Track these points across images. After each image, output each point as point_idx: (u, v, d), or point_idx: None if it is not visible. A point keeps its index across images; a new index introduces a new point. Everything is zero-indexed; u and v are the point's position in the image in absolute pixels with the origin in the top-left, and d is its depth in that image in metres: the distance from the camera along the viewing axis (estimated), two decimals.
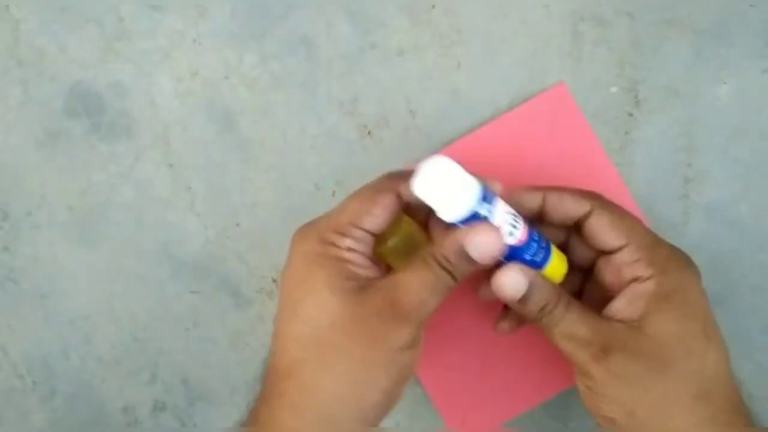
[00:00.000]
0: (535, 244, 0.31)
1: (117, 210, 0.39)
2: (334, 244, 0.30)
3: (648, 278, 0.30)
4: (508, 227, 0.30)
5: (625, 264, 0.31)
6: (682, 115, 0.38)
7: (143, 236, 0.39)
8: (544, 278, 0.31)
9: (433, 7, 0.38)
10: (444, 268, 0.30)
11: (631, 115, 0.38)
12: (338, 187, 0.38)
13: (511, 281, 0.30)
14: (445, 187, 0.29)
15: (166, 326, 0.39)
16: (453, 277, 0.30)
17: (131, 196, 0.39)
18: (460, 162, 0.30)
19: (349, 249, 0.30)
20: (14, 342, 0.39)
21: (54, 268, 0.39)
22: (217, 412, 0.39)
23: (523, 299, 0.30)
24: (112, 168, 0.39)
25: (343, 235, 0.30)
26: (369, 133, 0.38)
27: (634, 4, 0.37)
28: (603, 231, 0.31)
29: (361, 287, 0.29)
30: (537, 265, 0.31)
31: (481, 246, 0.29)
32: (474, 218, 0.29)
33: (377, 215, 0.31)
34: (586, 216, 0.32)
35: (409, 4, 0.38)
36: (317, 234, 0.31)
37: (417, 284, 0.29)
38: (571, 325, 0.30)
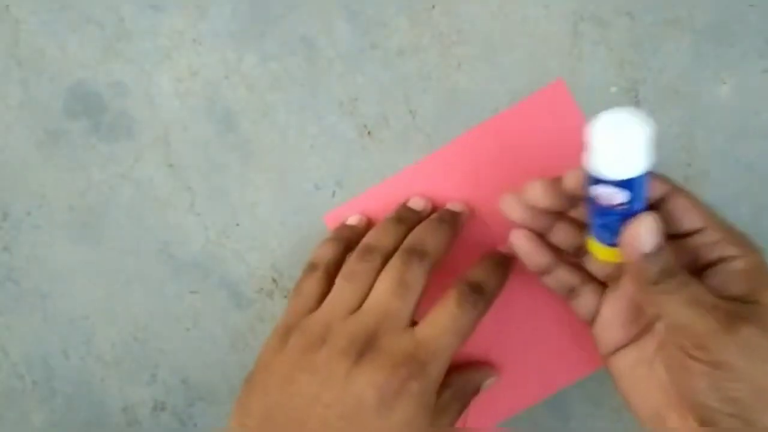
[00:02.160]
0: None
1: (117, 210, 0.39)
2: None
3: (736, 257, 0.30)
4: None
5: (706, 245, 0.30)
6: (682, 115, 0.38)
7: (143, 236, 0.39)
8: None
9: (433, 7, 0.38)
10: None
11: None
12: (338, 187, 0.38)
13: (650, 230, 0.28)
14: (628, 144, 0.27)
15: (166, 326, 0.39)
16: None
17: (131, 196, 0.39)
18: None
19: None
20: (14, 342, 0.39)
21: (54, 268, 0.39)
22: (217, 412, 0.39)
23: (650, 255, 0.29)
24: (112, 168, 0.39)
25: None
26: (369, 133, 0.38)
27: (634, 3, 0.37)
28: (683, 213, 0.31)
29: None
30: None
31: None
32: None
33: None
34: (664, 198, 0.31)
35: (409, 4, 0.38)
36: (435, 384, 0.30)
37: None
38: (698, 290, 0.29)
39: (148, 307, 0.39)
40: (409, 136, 0.38)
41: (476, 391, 0.36)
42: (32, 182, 0.39)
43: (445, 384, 0.31)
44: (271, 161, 0.39)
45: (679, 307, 0.29)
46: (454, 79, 0.38)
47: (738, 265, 0.30)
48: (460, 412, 0.33)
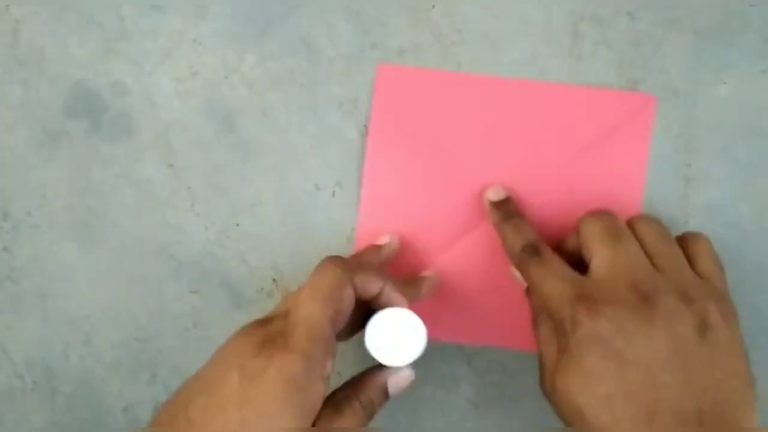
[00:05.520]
0: None
1: (117, 210, 0.39)
2: (320, 375, 0.29)
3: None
4: None
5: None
6: (682, 115, 0.38)
7: (143, 236, 0.39)
8: None
9: (433, 7, 0.38)
10: (367, 411, 0.32)
11: None
12: (338, 187, 0.38)
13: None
14: (406, 347, 0.31)
15: (167, 326, 0.39)
16: (372, 417, 0.32)
17: (131, 196, 0.39)
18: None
19: (328, 376, 0.30)
20: (14, 342, 0.39)
21: (54, 268, 0.39)
22: None
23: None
24: (113, 168, 0.39)
25: (328, 353, 0.29)
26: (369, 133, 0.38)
27: (634, 4, 0.37)
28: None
29: None
30: None
31: (401, 384, 0.33)
32: None
33: (346, 315, 0.31)
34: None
35: (409, 4, 0.38)
36: (303, 356, 0.28)
37: None
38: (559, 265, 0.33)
39: (148, 307, 0.39)
40: None
41: (384, 393, 0.33)
42: (32, 182, 0.39)
43: (348, 385, 0.32)
44: (271, 161, 0.39)
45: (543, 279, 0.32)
46: None
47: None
48: (364, 413, 0.32)
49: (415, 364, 0.39)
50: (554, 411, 0.31)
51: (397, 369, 0.33)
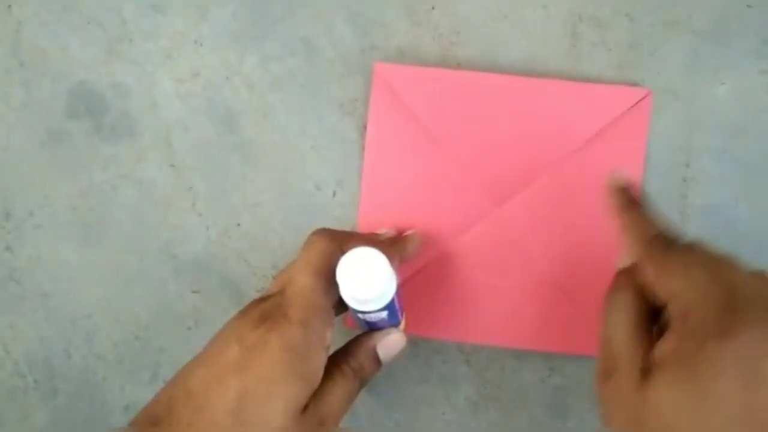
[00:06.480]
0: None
1: (119, 210, 0.39)
2: (320, 344, 0.29)
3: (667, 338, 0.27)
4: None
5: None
6: (680, 116, 0.38)
7: (145, 236, 0.39)
8: None
9: (433, 8, 0.38)
10: (359, 377, 0.31)
11: None
12: (338, 187, 0.39)
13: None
14: (370, 282, 0.29)
15: (168, 325, 0.39)
16: (365, 383, 0.32)
17: (133, 196, 0.39)
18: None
19: (328, 346, 0.29)
20: (16, 341, 0.40)
21: (56, 267, 0.39)
22: None
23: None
24: (114, 168, 0.39)
25: (326, 323, 0.29)
26: None
27: (633, 5, 0.38)
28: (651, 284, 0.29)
29: (303, 408, 0.29)
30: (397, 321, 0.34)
31: (391, 350, 0.33)
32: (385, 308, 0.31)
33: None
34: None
35: (408, 5, 0.38)
36: (302, 326, 0.28)
37: (342, 400, 0.30)
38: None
39: (149, 306, 0.39)
40: None
41: (374, 357, 0.33)
42: (35, 182, 0.39)
43: (338, 352, 0.32)
44: (271, 161, 0.39)
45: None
46: None
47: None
48: (355, 378, 0.31)
49: (415, 363, 0.39)
50: (610, 415, 0.28)
51: (386, 333, 0.33)
